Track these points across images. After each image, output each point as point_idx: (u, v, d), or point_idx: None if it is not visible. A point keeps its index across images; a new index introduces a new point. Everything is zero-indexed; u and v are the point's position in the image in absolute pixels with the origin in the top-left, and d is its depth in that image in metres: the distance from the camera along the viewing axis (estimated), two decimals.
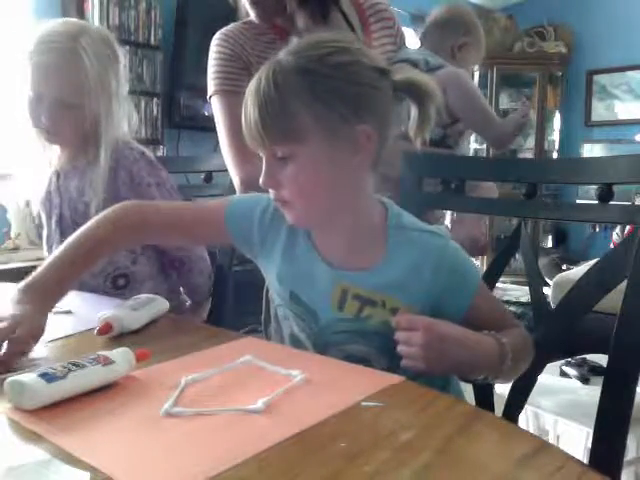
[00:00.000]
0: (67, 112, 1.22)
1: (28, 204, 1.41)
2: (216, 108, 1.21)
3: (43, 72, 1.21)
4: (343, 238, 0.85)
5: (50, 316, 1.00)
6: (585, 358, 1.92)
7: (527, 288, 1.04)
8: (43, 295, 0.85)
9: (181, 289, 1.40)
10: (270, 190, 0.82)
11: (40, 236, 1.42)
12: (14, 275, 1.28)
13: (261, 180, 0.80)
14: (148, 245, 1.30)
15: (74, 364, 0.66)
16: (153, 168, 1.29)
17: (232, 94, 1.18)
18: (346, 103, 0.76)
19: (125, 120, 1.32)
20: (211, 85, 1.21)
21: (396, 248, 0.83)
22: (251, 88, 0.79)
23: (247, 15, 1.22)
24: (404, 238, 0.83)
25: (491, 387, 1.00)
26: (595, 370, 1.81)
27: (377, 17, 1.28)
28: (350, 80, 0.77)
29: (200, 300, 1.41)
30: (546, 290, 2.51)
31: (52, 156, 1.33)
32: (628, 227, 3.41)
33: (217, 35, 1.21)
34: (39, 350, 0.81)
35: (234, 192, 1.48)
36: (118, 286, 1.29)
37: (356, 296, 0.83)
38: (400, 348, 0.76)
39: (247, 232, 0.91)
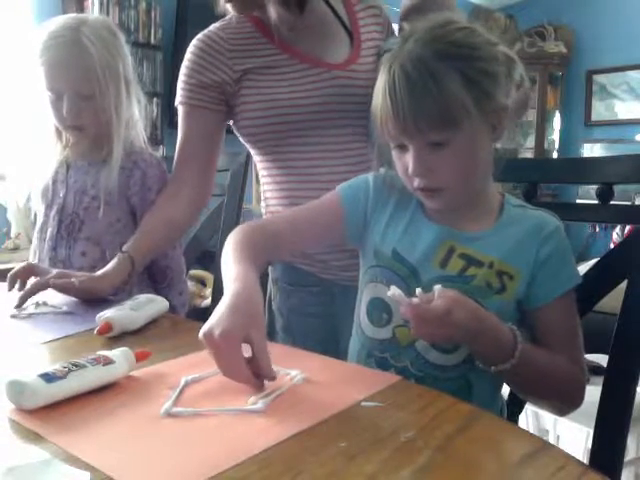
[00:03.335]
0: (86, 103, 1.23)
1: (29, 200, 1.38)
2: (179, 117, 1.24)
3: (56, 69, 1.22)
4: (461, 210, 0.86)
5: (50, 316, 1.00)
6: (585, 358, 1.92)
7: None
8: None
9: None
10: (416, 179, 0.81)
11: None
12: None
13: (411, 169, 0.80)
14: None
15: (74, 364, 0.66)
16: (162, 177, 1.31)
17: (195, 108, 1.19)
18: (489, 82, 0.79)
19: (136, 106, 1.32)
20: (179, 95, 1.21)
21: (509, 220, 0.84)
22: (393, 80, 0.78)
23: (225, 11, 1.19)
24: (519, 213, 0.85)
25: None
26: (595, 370, 1.81)
27: (364, 4, 1.25)
28: (489, 59, 0.79)
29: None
30: None
31: (59, 148, 1.33)
32: (628, 227, 3.41)
33: (194, 42, 1.19)
34: (39, 352, 0.81)
35: (233, 192, 1.48)
36: None
37: (462, 255, 0.83)
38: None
39: (363, 202, 0.92)
